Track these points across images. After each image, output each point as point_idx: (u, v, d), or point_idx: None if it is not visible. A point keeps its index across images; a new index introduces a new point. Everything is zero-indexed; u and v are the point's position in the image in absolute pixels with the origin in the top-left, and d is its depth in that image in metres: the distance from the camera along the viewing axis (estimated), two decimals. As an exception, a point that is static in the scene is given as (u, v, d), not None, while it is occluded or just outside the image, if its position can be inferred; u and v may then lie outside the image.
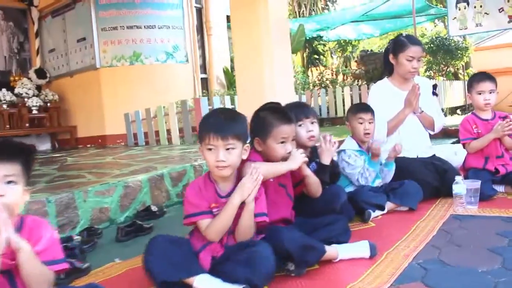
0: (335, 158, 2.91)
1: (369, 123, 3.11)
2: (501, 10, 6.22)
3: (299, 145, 2.62)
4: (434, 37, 12.93)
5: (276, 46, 5.24)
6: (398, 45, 3.51)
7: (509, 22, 6.16)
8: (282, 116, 2.25)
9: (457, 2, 6.46)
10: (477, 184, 2.96)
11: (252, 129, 2.31)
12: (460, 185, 2.91)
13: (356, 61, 15.55)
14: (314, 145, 2.67)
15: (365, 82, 11.65)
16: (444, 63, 12.81)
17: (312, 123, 2.62)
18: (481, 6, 6.31)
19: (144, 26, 8.23)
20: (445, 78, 13.10)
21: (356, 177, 3.07)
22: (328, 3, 16.62)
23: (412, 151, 3.45)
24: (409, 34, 3.61)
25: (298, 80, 11.88)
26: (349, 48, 16.54)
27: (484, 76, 3.38)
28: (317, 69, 15.29)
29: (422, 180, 3.19)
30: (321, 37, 14.43)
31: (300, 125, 2.60)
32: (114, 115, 8.01)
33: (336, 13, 14.29)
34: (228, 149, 1.91)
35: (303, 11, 16.08)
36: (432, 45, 12.46)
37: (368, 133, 3.10)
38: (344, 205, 2.58)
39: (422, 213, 2.95)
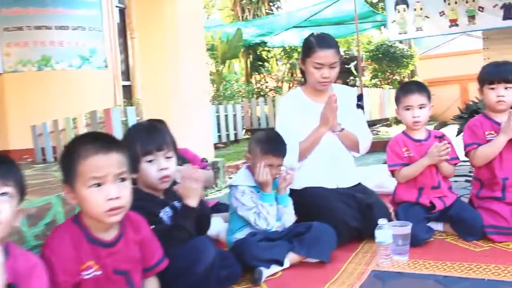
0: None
1: (278, 166, 2.39)
2: (442, 13, 5.68)
3: (148, 186, 1.86)
4: (379, 45, 12.51)
5: (185, 46, 4.46)
6: (304, 48, 2.79)
7: (450, 26, 5.64)
8: (99, 146, 1.47)
9: (396, 4, 5.89)
10: (406, 229, 2.26)
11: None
12: (384, 232, 2.19)
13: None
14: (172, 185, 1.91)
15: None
16: (389, 71, 12.40)
17: (168, 158, 1.87)
18: (421, 9, 5.76)
19: (55, 27, 7.26)
20: (391, 87, 12.70)
21: (252, 219, 2.30)
22: (272, 7, 16.00)
23: (330, 180, 2.72)
24: (321, 34, 2.84)
25: (238, 88, 11.17)
26: (295, 55, 15.99)
27: (412, 87, 2.70)
28: (261, 77, 14.66)
29: (339, 220, 2.47)
30: (265, 42, 13.80)
31: (150, 161, 1.85)
32: (21, 127, 7.00)
33: (277, 17, 13.66)
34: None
35: (247, 15, 15.40)
36: (377, 53, 12.02)
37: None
38: (211, 268, 1.79)
39: (335, 269, 2.22)
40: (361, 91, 8.99)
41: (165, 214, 1.89)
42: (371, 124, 11.28)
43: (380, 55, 11.76)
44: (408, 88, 2.70)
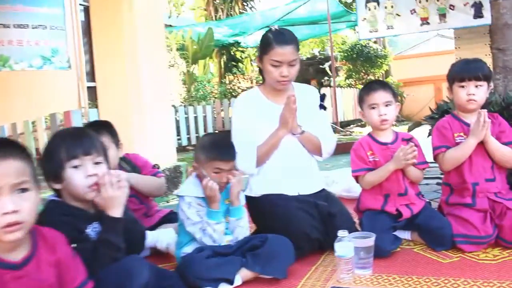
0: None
1: (228, 171, 2.16)
2: (413, 11, 5.55)
3: (75, 197, 1.64)
4: (353, 45, 12.42)
5: (144, 47, 4.21)
6: (262, 44, 2.58)
7: (421, 24, 5.51)
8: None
9: (367, 2, 5.73)
10: (369, 241, 2.07)
11: None
12: (345, 244, 1.99)
13: (276, 69, 14.90)
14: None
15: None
16: (364, 71, 12.32)
17: (97, 163, 1.64)
18: (392, 7, 5.62)
19: (14, 25, 6.90)
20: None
21: (198, 235, 2.08)
22: (246, 7, 15.79)
23: (290, 187, 2.51)
24: (280, 28, 2.61)
25: (210, 89, 10.93)
26: (270, 56, 15.80)
27: (376, 85, 2.52)
28: (235, 78, 14.46)
29: (299, 231, 2.27)
30: (238, 43, 13.58)
31: (75, 167, 1.62)
32: (-22, 132, 6.66)
33: (249, 17, 13.45)
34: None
35: (220, 15, 15.16)
36: (351, 53, 11.93)
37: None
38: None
39: (292, 286, 2.01)
40: (334, 90, 8.84)
41: (93, 230, 1.66)
42: (345, 124, 11.18)
43: (354, 55, 11.66)
44: (371, 86, 2.52)
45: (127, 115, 4.10)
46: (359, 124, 11.16)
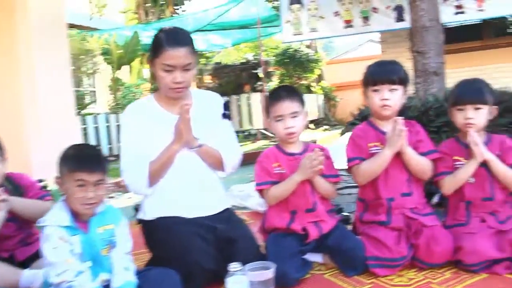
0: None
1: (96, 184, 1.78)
2: (336, 14, 5.40)
3: None
4: (286, 49, 12.31)
5: (41, 51, 3.78)
6: (153, 45, 2.24)
7: (345, 27, 5.38)
8: None
9: (291, 3, 5.54)
10: (266, 273, 1.79)
11: None
12: (238, 280, 1.70)
13: (210, 74, 14.62)
14: None
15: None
16: (296, 76, 12.23)
17: None
18: (316, 9, 5.45)
19: None
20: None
21: (53, 280, 1.69)
22: (177, 11, 15.39)
23: (187, 208, 2.19)
24: (173, 28, 2.27)
25: (139, 96, 10.43)
26: (203, 60, 15.48)
27: (281, 93, 2.24)
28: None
29: (191, 262, 1.95)
30: (170, 47, 13.13)
31: None
32: None
33: (178, 20, 13.04)
34: None
35: (151, 18, 14.66)
36: (283, 57, 11.80)
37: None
38: None
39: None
40: (264, 96, 8.61)
41: None
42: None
43: (287, 60, 11.52)
44: (277, 95, 2.25)
45: (19, 125, 3.64)
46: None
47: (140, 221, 2.25)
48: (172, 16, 14.70)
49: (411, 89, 3.07)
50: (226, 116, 2.46)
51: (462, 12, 4.97)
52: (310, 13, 5.51)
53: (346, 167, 2.29)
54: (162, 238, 2.11)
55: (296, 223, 2.16)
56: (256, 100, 9.84)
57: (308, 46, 12.81)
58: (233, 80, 13.71)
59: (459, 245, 2.04)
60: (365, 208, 2.29)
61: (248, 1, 11.15)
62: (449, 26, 6.59)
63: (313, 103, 12.42)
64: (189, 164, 2.23)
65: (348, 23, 5.38)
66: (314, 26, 5.52)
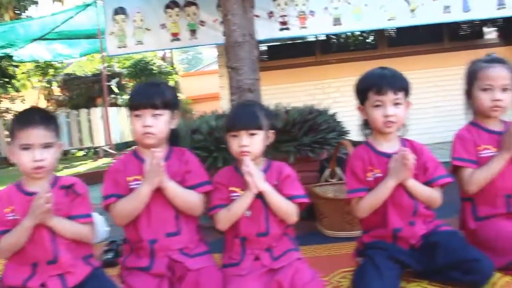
0: None
1: None
2: (163, 26, 5.11)
3: None
4: (138, 61, 11.81)
5: None
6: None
7: (172, 40, 5.11)
8: None
9: (115, 14, 5.13)
10: None
11: None
12: None
13: (59, 86, 13.56)
14: None
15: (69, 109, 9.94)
16: (149, 88, 11.78)
17: None
18: (141, 20, 5.11)
19: None
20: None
21: None
22: (19, 16, 14.06)
23: None
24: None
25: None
26: (51, 71, 14.31)
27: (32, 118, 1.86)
28: (9, 96, 12.74)
29: None
30: (10, 56, 11.89)
31: None
32: None
33: (14, 27, 11.90)
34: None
35: (-13, 23, 13.19)
36: (134, 69, 11.30)
37: None
38: None
39: None
40: (106, 110, 8.05)
41: None
42: (124, 146, 10.34)
43: (137, 72, 11.04)
44: (25, 120, 1.84)
45: None
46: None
47: None
48: (11, 20, 13.38)
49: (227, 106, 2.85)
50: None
51: (287, 29, 4.98)
52: (136, 24, 5.14)
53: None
54: None
55: (35, 279, 1.77)
56: (97, 115, 9.19)
57: (162, 58, 12.44)
58: (84, 93, 12.86)
59: (227, 288, 1.81)
60: (130, 251, 1.97)
61: (95, 9, 10.47)
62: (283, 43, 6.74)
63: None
64: None
65: (175, 36, 5.12)
66: (140, 39, 5.16)
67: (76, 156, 10.40)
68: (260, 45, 6.39)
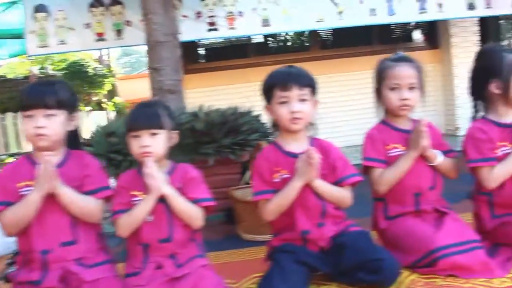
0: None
1: None
2: (87, 26, 4.90)
3: None
4: (71, 63, 11.39)
5: None
6: None
7: (97, 40, 4.92)
8: None
9: (35, 11, 4.89)
10: None
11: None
12: None
13: (-13, 89, 12.88)
14: None
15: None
16: (84, 91, 11.38)
17: None
18: (64, 19, 4.88)
19: None
20: (91, 108, 11.70)
21: None
22: None
23: None
24: None
25: None
26: (-16, 72, 13.60)
27: None
28: None
29: None
30: None
31: None
32: None
33: None
34: None
35: None
36: (68, 72, 10.89)
37: None
38: None
39: None
40: None
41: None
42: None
43: (70, 74, 10.64)
44: None
45: None
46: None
47: None
48: None
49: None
50: None
51: (215, 29, 4.90)
52: (58, 23, 4.90)
53: None
54: None
55: None
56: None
57: (97, 60, 12.07)
58: (15, 96, 12.28)
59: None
60: (22, 264, 1.83)
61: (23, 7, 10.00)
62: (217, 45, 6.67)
63: (103, 121, 11.72)
64: None
65: (101, 36, 4.92)
66: (63, 38, 4.93)
67: (4, 162, 9.90)
68: (198, 48, 6.34)
